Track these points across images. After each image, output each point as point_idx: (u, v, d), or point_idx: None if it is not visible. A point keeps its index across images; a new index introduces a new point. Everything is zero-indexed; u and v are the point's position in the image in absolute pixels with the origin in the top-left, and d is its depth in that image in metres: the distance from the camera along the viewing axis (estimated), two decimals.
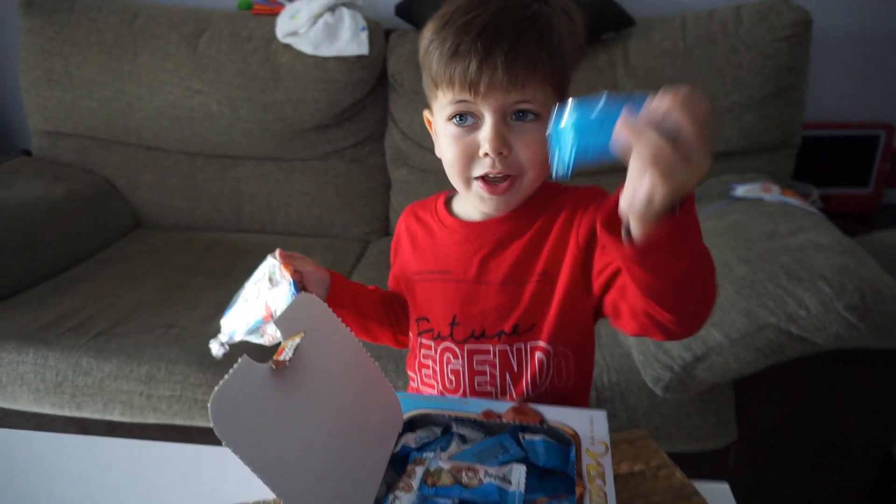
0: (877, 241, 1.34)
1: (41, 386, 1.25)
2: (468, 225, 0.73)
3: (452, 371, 0.72)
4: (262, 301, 0.69)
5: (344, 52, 1.62)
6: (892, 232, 1.39)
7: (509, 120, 0.64)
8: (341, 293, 0.74)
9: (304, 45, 1.63)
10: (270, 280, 0.70)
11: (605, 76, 1.57)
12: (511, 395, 0.71)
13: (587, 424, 0.63)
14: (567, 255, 0.68)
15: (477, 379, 0.72)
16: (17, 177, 1.67)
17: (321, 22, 1.63)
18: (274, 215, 1.80)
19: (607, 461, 0.60)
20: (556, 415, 0.64)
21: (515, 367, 0.70)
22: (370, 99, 1.72)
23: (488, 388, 0.71)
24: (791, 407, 1.09)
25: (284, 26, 1.66)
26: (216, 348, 0.75)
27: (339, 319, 0.61)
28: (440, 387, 0.73)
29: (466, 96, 0.63)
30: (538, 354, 0.70)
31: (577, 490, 0.57)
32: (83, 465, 0.75)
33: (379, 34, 1.68)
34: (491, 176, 0.65)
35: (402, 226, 0.80)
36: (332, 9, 1.65)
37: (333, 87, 1.64)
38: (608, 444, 0.61)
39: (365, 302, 0.78)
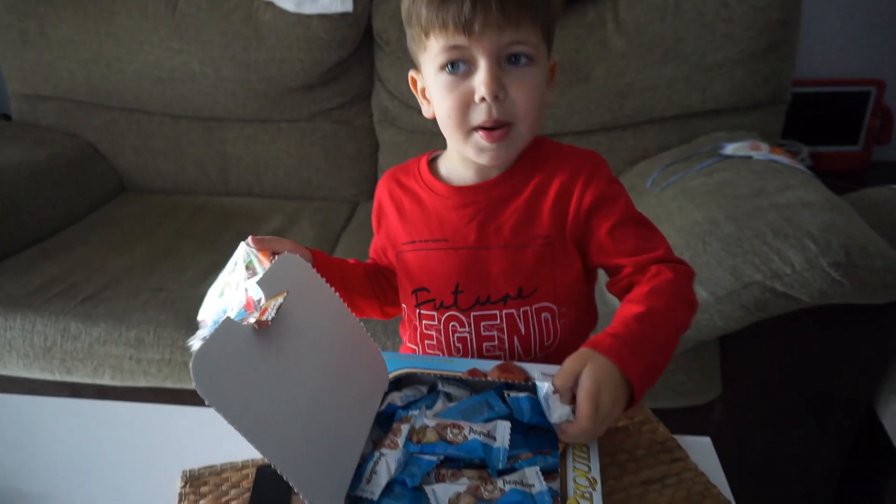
0: (864, 198, 1.34)
1: (30, 351, 1.25)
2: (461, 190, 0.71)
3: (459, 339, 0.72)
4: (241, 290, 0.65)
5: (328, 9, 1.58)
6: (879, 189, 1.39)
7: (503, 65, 0.63)
8: (325, 269, 0.72)
9: (287, 3, 1.59)
10: (247, 268, 0.67)
11: (594, 32, 1.54)
12: (520, 357, 0.71)
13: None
14: (568, 219, 0.68)
15: (485, 345, 0.71)
16: None
17: None
18: (261, 178, 1.78)
19: None
20: (542, 370, 0.64)
21: (523, 330, 0.70)
22: (355, 58, 1.68)
23: (497, 352, 0.71)
24: (775, 363, 1.11)
25: None
26: (197, 345, 0.71)
27: (323, 280, 0.60)
28: (447, 356, 0.73)
29: (460, 39, 0.61)
30: (545, 315, 0.70)
31: (560, 445, 0.58)
32: (75, 428, 0.75)
33: None
34: (489, 126, 0.64)
35: (383, 194, 0.77)
36: None
37: (318, 46, 1.61)
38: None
39: (350, 276, 0.76)
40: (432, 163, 0.76)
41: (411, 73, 0.72)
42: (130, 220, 1.65)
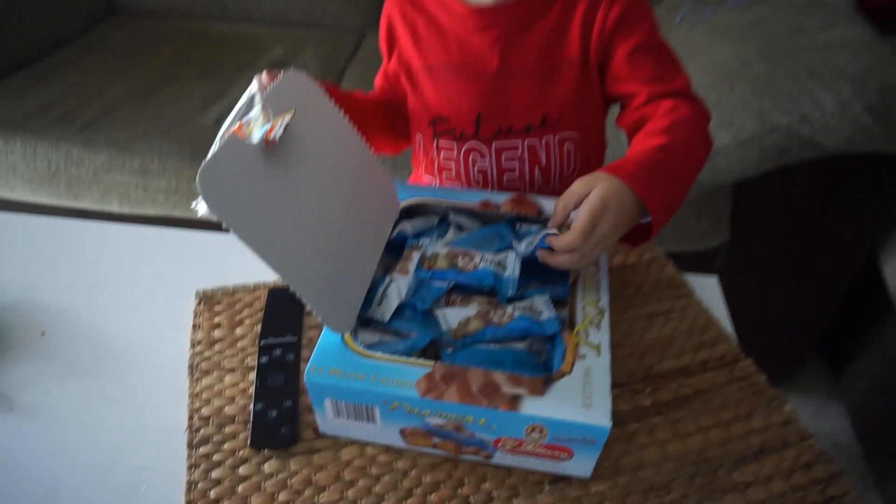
0: None
1: (35, 176, 1.24)
2: (482, 10, 0.64)
3: (479, 171, 0.69)
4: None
5: None
6: None
7: None
8: (338, 101, 0.68)
9: None
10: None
11: None
12: (539, 188, 0.69)
13: None
14: (593, 38, 0.62)
15: (506, 176, 0.69)
16: None
17: None
18: (260, 2, 1.66)
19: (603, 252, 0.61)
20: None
21: (544, 161, 0.68)
22: None
23: (517, 183, 0.69)
24: (784, 212, 1.10)
25: None
26: (203, 208, 0.67)
27: (332, 100, 0.57)
28: (464, 187, 0.71)
29: None
30: (567, 145, 0.67)
31: (571, 276, 0.58)
32: (87, 248, 0.76)
33: None
34: None
35: (394, 15, 0.70)
36: None
37: None
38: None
39: (364, 108, 0.71)
40: None
41: None
42: (124, 45, 1.56)
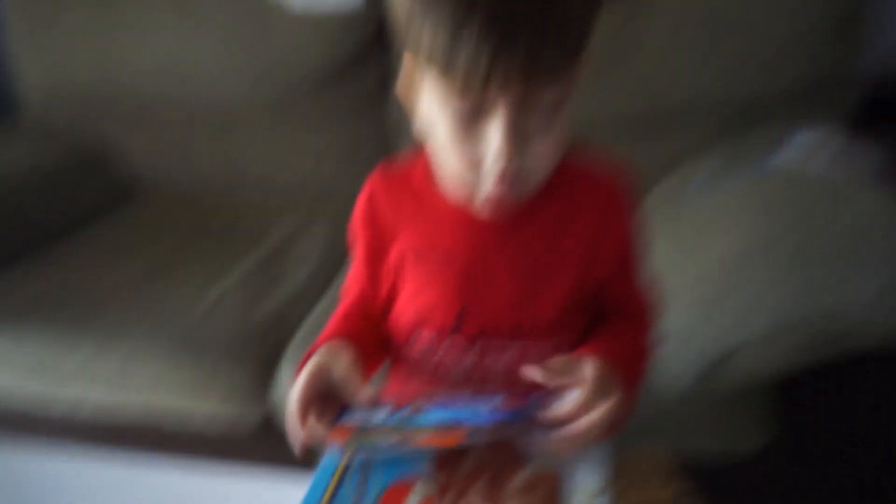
0: None
1: (18, 367, 1.21)
2: (470, 208, 0.58)
3: (462, 371, 0.63)
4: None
5: (338, 6, 1.49)
6: None
7: (526, 110, 0.48)
8: (366, 356, 0.62)
9: (297, 1, 1.51)
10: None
11: (634, 5, 1.34)
12: (524, 388, 0.60)
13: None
14: (597, 266, 0.61)
15: (488, 386, 0.62)
16: None
17: None
18: (273, 179, 1.70)
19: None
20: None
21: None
22: (369, 56, 1.57)
23: (499, 385, 0.61)
24: (837, 411, 0.93)
25: None
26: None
27: None
28: (441, 387, 0.63)
29: (473, 89, 0.47)
30: (554, 344, 0.62)
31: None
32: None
33: None
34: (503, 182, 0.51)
35: (378, 197, 0.65)
36: None
37: (328, 45, 1.52)
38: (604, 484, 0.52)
39: (366, 344, 0.64)
40: (429, 167, 0.62)
41: (399, 84, 0.57)
42: (134, 228, 1.60)
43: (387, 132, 1.65)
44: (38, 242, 1.49)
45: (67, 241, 1.53)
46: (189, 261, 1.42)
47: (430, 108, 0.52)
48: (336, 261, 1.42)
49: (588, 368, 0.52)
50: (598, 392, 0.51)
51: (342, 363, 0.56)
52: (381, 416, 0.54)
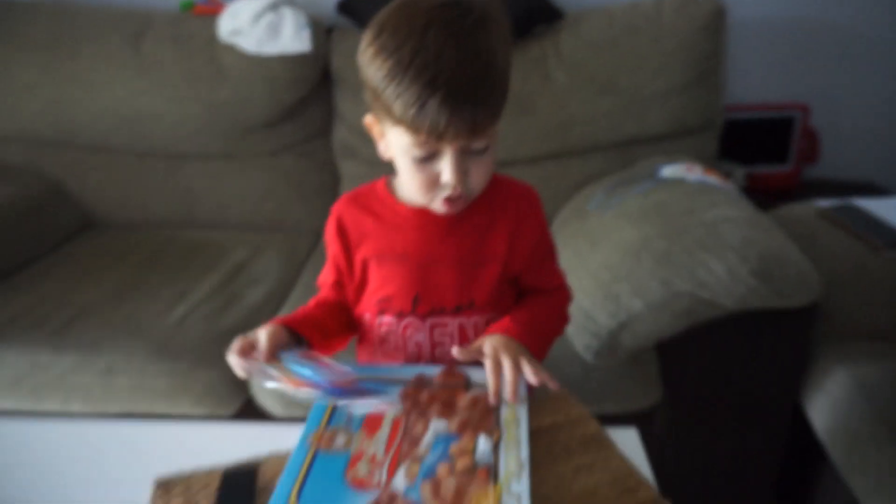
0: (786, 213, 1.46)
1: None
2: (422, 213, 0.78)
3: (416, 344, 0.81)
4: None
5: (287, 49, 1.67)
6: (801, 205, 1.51)
7: (466, 155, 0.71)
8: (304, 328, 0.78)
9: (248, 44, 1.67)
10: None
11: (538, 66, 1.65)
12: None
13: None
14: (516, 255, 0.80)
15: (438, 350, 0.80)
16: None
17: (263, 21, 1.67)
18: (226, 211, 1.84)
19: (523, 411, 0.69)
20: (482, 375, 0.72)
21: (472, 336, 0.79)
22: (315, 95, 1.76)
23: (448, 356, 0.79)
24: (707, 369, 1.20)
25: (227, 26, 1.69)
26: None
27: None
28: (404, 358, 0.81)
29: (430, 141, 0.68)
30: (487, 319, 0.80)
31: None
32: (43, 448, 0.79)
33: (321, 32, 1.73)
34: (452, 198, 0.73)
35: (344, 216, 0.82)
36: (273, 7, 1.69)
37: (279, 85, 1.69)
38: (526, 398, 0.70)
39: (326, 321, 0.81)
40: (389, 185, 0.83)
41: (367, 119, 0.76)
42: (96, 255, 1.68)
43: (333, 163, 1.83)
44: (5, 272, 1.55)
45: (33, 268, 1.60)
46: (153, 283, 1.53)
47: (395, 149, 0.73)
48: (289, 281, 1.58)
49: (486, 345, 0.72)
50: (500, 355, 0.71)
51: (266, 331, 0.74)
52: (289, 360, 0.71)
